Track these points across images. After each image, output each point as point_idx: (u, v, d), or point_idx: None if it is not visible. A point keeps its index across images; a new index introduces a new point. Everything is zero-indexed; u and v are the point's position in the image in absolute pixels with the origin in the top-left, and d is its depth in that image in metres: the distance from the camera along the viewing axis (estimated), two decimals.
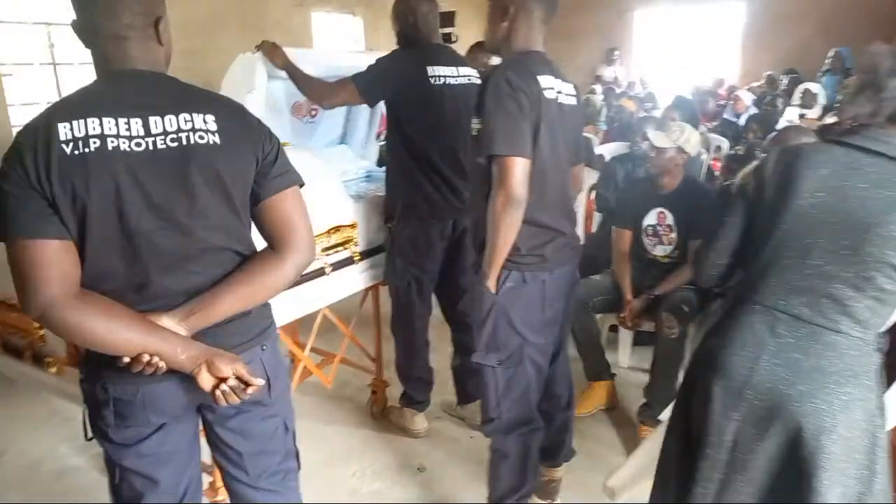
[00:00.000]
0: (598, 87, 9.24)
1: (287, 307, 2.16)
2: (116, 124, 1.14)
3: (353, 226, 2.41)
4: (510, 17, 1.78)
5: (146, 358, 1.15)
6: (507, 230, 1.69)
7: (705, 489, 1.37)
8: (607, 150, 4.73)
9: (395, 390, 2.84)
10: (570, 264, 1.94)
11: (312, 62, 2.55)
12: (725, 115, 6.34)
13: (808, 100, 6.44)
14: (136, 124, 1.16)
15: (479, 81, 2.39)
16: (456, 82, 2.36)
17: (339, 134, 3.22)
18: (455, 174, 2.37)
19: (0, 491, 2.39)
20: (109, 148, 1.13)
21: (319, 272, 2.27)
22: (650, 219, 2.83)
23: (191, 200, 1.20)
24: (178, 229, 1.20)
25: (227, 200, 1.24)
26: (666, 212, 2.78)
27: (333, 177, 2.41)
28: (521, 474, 2.01)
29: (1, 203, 1.11)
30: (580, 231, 3.93)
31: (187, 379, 1.21)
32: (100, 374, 1.24)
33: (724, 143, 5.08)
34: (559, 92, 1.79)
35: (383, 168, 3.38)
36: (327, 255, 2.31)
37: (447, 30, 4.80)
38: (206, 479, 1.97)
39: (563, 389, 2.15)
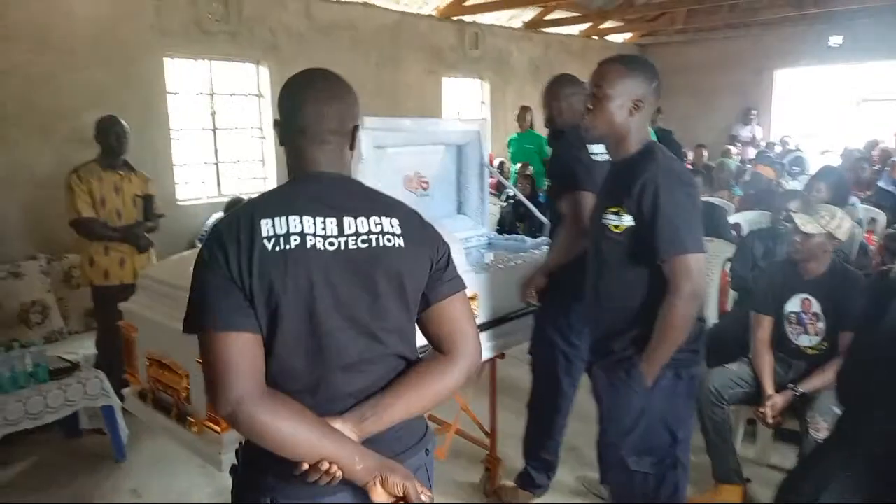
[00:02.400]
0: (733, 149, 8.84)
1: None
2: (314, 223, 1.16)
3: (473, 297, 2.42)
4: (640, 111, 1.77)
5: (325, 466, 1.09)
6: (685, 330, 1.68)
7: None
8: (744, 220, 4.47)
9: (510, 466, 2.77)
10: None
11: (405, 129, 2.80)
12: (881, 184, 5.79)
13: None
14: (331, 224, 1.17)
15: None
16: (603, 159, 2.28)
17: (455, 204, 3.30)
18: None
19: None
20: (308, 246, 1.14)
21: None
22: (793, 305, 2.60)
23: (374, 302, 1.19)
24: (360, 330, 1.19)
25: (405, 304, 1.23)
26: (811, 299, 2.55)
27: (456, 248, 2.44)
28: None
29: (201, 292, 1.11)
30: (713, 309, 3.72)
31: (359, 492, 1.15)
32: (266, 482, 1.16)
33: (881, 217, 4.63)
34: None
35: (505, 235, 3.44)
36: None
37: None
38: None
39: None
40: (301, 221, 1.15)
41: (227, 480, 2.82)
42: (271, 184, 6.08)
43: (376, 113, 2.69)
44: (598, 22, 9.27)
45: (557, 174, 2.43)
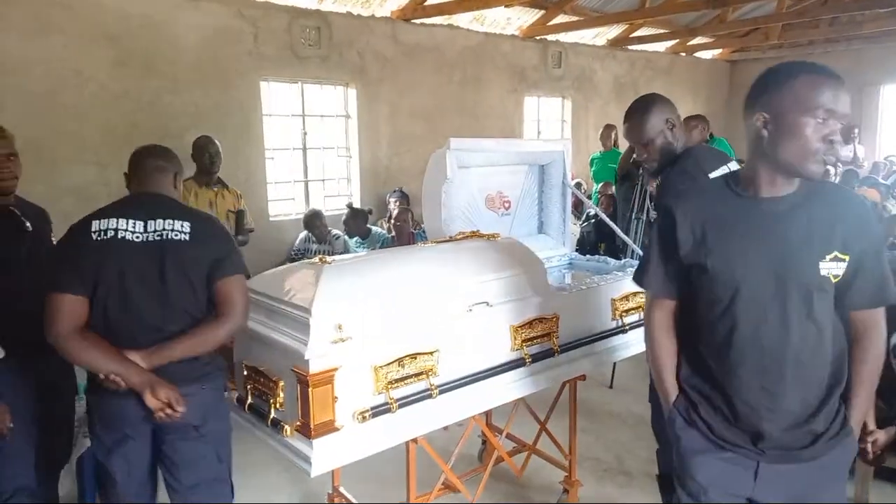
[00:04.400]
0: (832, 169, 8.37)
1: (486, 395, 2.21)
2: (126, 223, 1.84)
3: (554, 318, 2.42)
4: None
5: (112, 377, 1.75)
6: None
7: None
8: None
9: (587, 490, 2.72)
10: None
11: (490, 149, 2.86)
12: None
13: None
14: (139, 224, 1.84)
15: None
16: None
17: (537, 224, 3.31)
18: None
19: None
20: (119, 237, 1.82)
21: (519, 362, 2.30)
22: None
23: (163, 277, 1.82)
24: (154, 296, 1.82)
25: (187, 279, 1.84)
26: None
27: (539, 269, 2.45)
28: None
29: (51, 267, 1.83)
30: None
31: (142, 401, 1.77)
32: (95, 391, 1.87)
33: None
34: None
35: (587, 256, 3.41)
36: (528, 345, 2.33)
37: None
38: None
39: None
40: (117, 222, 1.83)
41: (313, 483, 2.94)
42: (356, 200, 6.29)
43: (458, 131, 2.77)
44: (686, 38, 9.06)
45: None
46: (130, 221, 1.84)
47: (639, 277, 1.70)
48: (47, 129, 4.45)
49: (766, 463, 1.49)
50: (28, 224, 2.23)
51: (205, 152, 3.80)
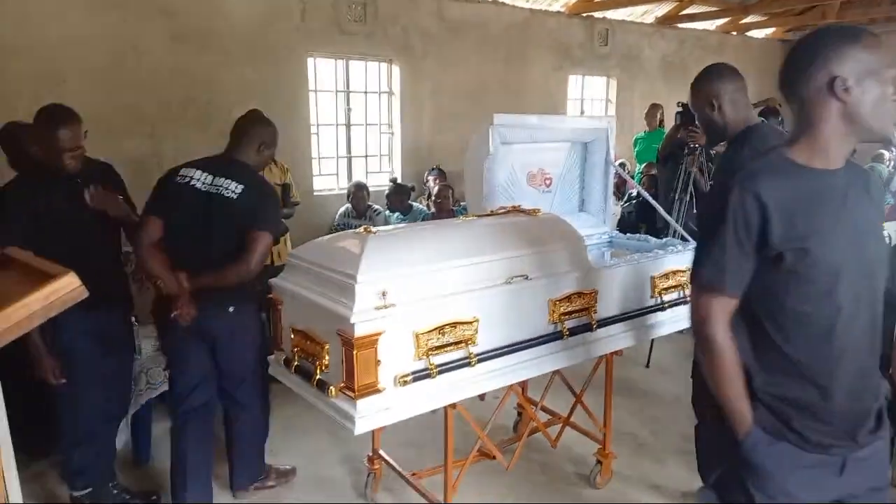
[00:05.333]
0: (887, 153, 8.07)
1: (523, 366, 2.27)
2: (202, 174, 2.39)
3: (592, 294, 2.45)
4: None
5: (159, 282, 2.35)
6: None
7: None
8: (892, 230, 4.12)
9: (621, 463, 2.76)
10: None
11: (533, 126, 2.90)
12: None
13: None
14: (209, 177, 2.38)
15: None
16: None
17: (577, 202, 3.31)
18: None
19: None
20: (191, 184, 2.37)
21: (557, 335, 2.34)
22: None
23: (210, 221, 2.35)
24: (200, 236, 2.35)
25: (225, 228, 2.36)
26: None
27: (579, 244, 2.48)
28: None
29: (150, 198, 2.42)
30: None
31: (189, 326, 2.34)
32: (159, 304, 2.46)
33: None
34: None
35: (627, 234, 3.41)
36: (566, 319, 2.37)
37: None
38: None
39: None
40: (193, 173, 2.39)
41: (354, 447, 3.06)
42: (397, 176, 6.38)
43: (501, 109, 2.79)
44: (739, 16, 8.79)
45: None
46: (205, 174, 2.38)
47: (715, 275, 1.39)
48: (106, 102, 4.62)
49: (852, 453, 1.40)
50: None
51: None
